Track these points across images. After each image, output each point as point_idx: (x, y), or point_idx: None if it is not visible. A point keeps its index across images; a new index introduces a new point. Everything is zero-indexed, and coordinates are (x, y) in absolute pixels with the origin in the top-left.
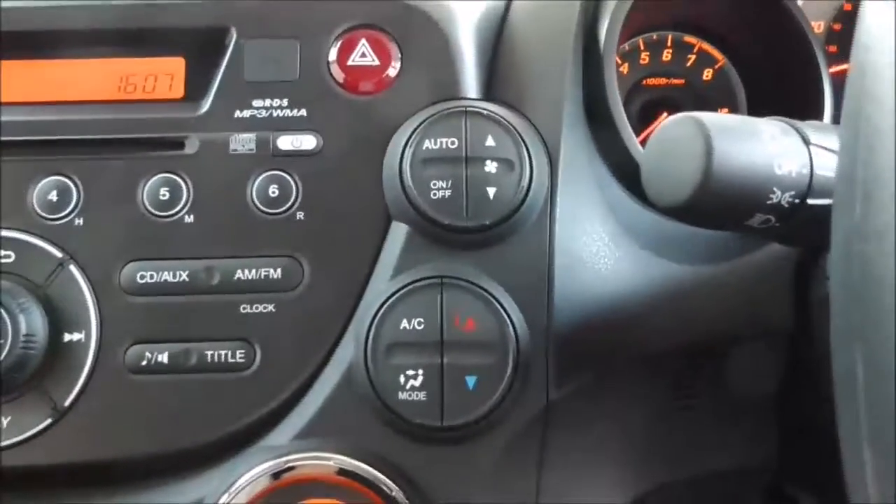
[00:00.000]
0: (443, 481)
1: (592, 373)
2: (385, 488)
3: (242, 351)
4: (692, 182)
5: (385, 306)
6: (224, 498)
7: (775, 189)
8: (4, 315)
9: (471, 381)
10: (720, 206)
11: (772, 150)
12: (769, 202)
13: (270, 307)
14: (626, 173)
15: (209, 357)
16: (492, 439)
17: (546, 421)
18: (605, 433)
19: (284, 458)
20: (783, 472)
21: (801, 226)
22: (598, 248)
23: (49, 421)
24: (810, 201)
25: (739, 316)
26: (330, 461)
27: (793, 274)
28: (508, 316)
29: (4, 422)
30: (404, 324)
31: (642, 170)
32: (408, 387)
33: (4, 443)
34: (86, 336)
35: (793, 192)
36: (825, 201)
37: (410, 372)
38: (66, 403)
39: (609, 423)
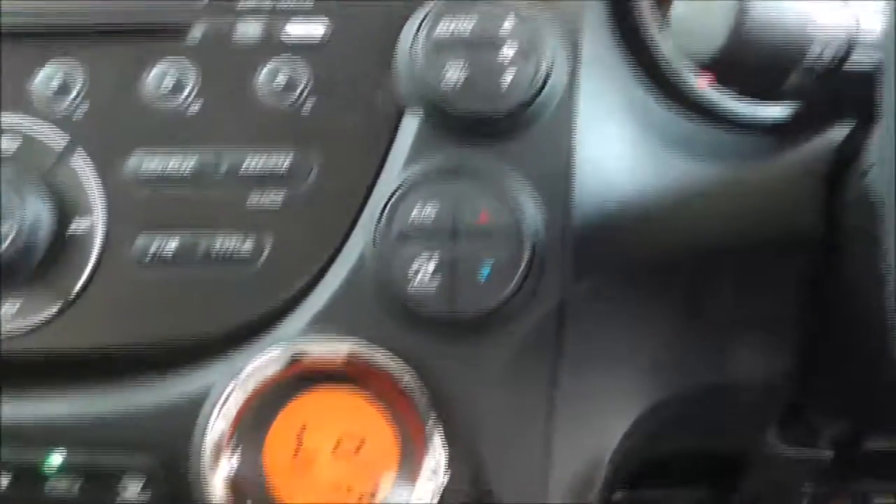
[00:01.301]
0: (455, 377)
1: (609, 273)
2: (398, 376)
3: (250, 244)
4: (725, 29)
5: (396, 195)
6: (231, 385)
7: (815, 45)
8: (8, 203)
9: (484, 271)
10: (754, 60)
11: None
12: (808, 59)
13: (278, 200)
14: (651, 68)
15: (216, 250)
16: (505, 335)
17: (561, 320)
18: (620, 339)
19: (293, 345)
20: (803, 393)
21: (840, 89)
22: (620, 144)
23: (55, 310)
24: (854, 58)
25: (765, 219)
26: (340, 347)
27: (825, 175)
28: (525, 207)
29: (9, 311)
30: (416, 212)
31: (672, 17)
32: (419, 277)
33: (8, 330)
34: (91, 226)
35: (835, 49)
36: (870, 58)
37: (422, 261)
38: (73, 294)
39: (624, 329)
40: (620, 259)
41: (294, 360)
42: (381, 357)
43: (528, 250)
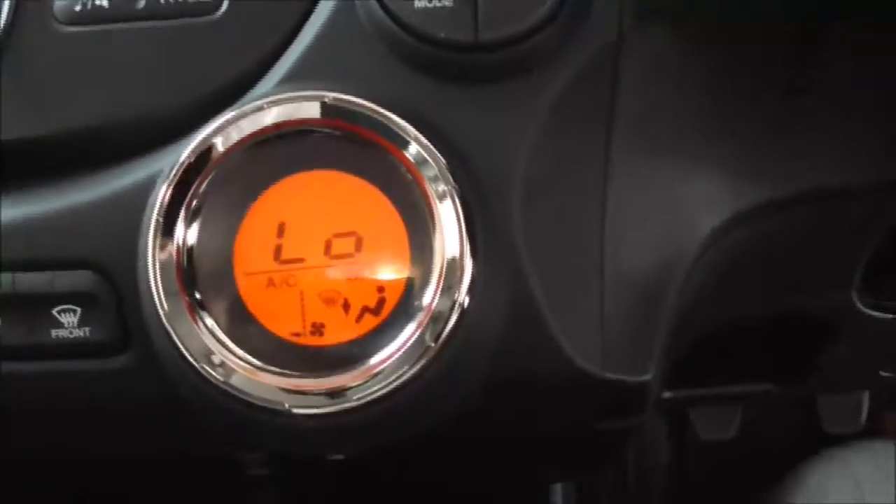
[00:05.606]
0: (476, 132)
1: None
2: (402, 138)
3: None
4: None
5: None
6: (184, 156)
7: None
8: None
9: None
10: None
11: None
12: None
13: None
14: None
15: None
16: (542, 80)
17: (617, 66)
18: (698, 113)
19: (263, 100)
20: None
21: None
22: None
23: None
24: None
25: None
26: (315, 99)
27: None
28: None
29: None
30: None
31: None
32: None
33: None
34: None
35: None
36: None
37: None
38: None
39: (702, 101)
40: None
41: (266, 121)
42: (374, 109)
43: None
